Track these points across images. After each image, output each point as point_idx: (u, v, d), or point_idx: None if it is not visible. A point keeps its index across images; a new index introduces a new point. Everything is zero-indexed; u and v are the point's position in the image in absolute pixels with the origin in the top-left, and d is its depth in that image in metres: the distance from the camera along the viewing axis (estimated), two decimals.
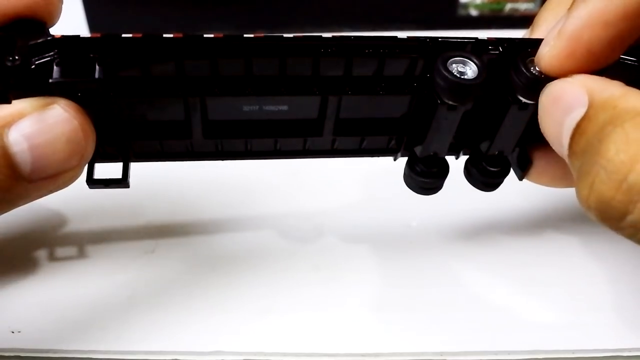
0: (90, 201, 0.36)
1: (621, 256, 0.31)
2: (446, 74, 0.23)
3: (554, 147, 0.23)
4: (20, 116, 0.22)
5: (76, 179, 0.25)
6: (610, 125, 0.19)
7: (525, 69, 0.24)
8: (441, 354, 0.27)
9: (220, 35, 0.23)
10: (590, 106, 0.21)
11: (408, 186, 0.29)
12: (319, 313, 0.29)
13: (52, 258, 0.32)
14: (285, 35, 0.24)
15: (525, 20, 0.52)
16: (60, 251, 0.33)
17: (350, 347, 0.28)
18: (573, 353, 0.28)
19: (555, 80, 0.23)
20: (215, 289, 0.30)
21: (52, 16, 0.24)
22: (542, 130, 0.23)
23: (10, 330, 0.28)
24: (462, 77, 0.23)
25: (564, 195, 0.35)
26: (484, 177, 0.28)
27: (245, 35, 0.23)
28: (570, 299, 0.29)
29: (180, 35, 0.23)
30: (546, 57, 0.23)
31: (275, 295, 0.30)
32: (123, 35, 0.23)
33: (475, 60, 0.24)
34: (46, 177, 0.23)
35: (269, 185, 0.36)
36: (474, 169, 0.28)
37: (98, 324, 0.29)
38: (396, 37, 0.24)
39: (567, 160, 0.22)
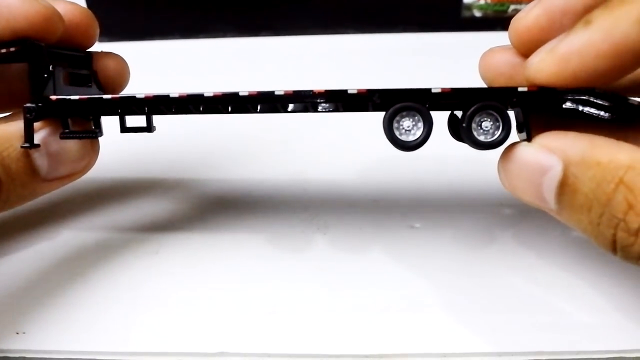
0: (94, 203, 0.36)
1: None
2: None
3: (532, 204, 0.25)
4: (38, 128, 0.26)
5: (83, 174, 0.29)
6: (606, 182, 0.22)
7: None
8: (444, 355, 0.28)
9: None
10: (569, 164, 0.23)
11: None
12: (322, 314, 0.29)
13: (57, 259, 0.32)
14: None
15: None
16: (65, 253, 0.33)
17: (354, 348, 0.28)
18: (577, 354, 0.28)
19: (516, 145, 0.25)
20: (219, 290, 0.31)
21: (53, 35, 0.27)
22: (511, 190, 0.25)
23: (15, 331, 0.29)
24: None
25: None
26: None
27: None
28: (574, 300, 0.29)
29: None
30: (533, 67, 0.24)
31: (280, 296, 0.30)
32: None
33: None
34: (59, 177, 0.27)
35: (273, 187, 0.36)
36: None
37: (102, 325, 0.29)
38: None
39: (555, 213, 0.24)
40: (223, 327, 0.29)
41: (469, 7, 0.52)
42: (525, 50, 0.27)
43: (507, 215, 0.34)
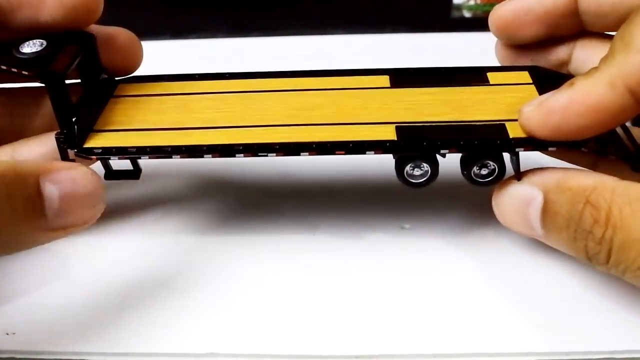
0: None
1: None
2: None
3: (523, 233, 0.29)
4: (55, 169, 0.26)
5: (86, 227, 0.28)
6: (577, 202, 0.26)
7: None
8: (434, 355, 0.28)
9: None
10: (547, 192, 0.27)
11: None
12: (312, 314, 0.29)
13: (46, 259, 0.32)
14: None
15: None
16: (54, 252, 0.33)
17: (344, 348, 0.28)
18: (567, 355, 0.28)
19: (503, 185, 0.29)
20: (210, 290, 0.31)
21: (96, 15, 0.31)
22: (505, 223, 0.30)
23: (5, 332, 0.29)
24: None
25: None
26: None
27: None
28: (564, 301, 0.30)
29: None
30: (523, 116, 0.28)
31: (270, 297, 0.30)
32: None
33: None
34: (63, 226, 0.26)
35: (263, 187, 0.36)
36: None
37: (93, 325, 0.29)
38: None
39: (543, 239, 0.29)
40: (212, 327, 0.29)
41: (459, 7, 0.52)
42: (500, 34, 0.33)
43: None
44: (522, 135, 0.28)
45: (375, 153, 0.28)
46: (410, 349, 0.28)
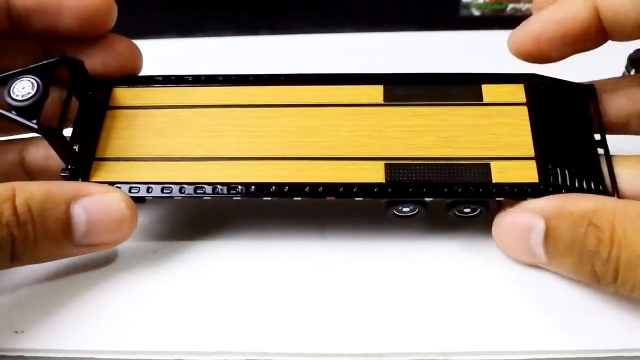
0: None
1: None
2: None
3: (526, 261, 0.30)
4: (87, 193, 0.28)
5: (116, 245, 0.30)
6: (579, 226, 0.27)
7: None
8: (443, 354, 0.28)
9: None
10: (548, 219, 0.28)
11: None
12: (321, 313, 0.29)
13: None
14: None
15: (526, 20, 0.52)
16: None
17: (353, 347, 0.28)
18: (574, 353, 0.28)
19: (502, 214, 0.30)
20: (218, 288, 0.31)
21: (111, 21, 0.32)
22: (506, 252, 0.30)
23: (13, 330, 0.29)
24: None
25: None
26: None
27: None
28: (571, 299, 0.29)
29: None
30: (511, 38, 0.31)
31: (278, 295, 0.30)
32: None
33: None
34: (90, 244, 0.29)
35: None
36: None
37: (101, 323, 0.29)
38: None
39: (546, 265, 0.29)
40: (221, 326, 0.29)
41: (467, 5, 0.52)
42: (524, 59, 0.32)
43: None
44: (505, 179, 0.30)
45: (363, 199, 0.30)
46: (420, 347, 0.28)
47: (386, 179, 0.30)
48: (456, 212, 0.31)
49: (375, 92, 0.33)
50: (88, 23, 0.31)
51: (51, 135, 0.29)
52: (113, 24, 0.32)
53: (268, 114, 0.32)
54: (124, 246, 0.33)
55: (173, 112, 0.33)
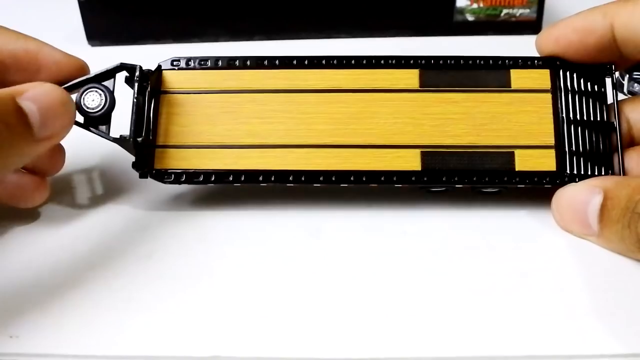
0: (87, 205, 0.36)
1: (618, 261, 0.32)
2: None
3: (578, 232, 0.32)
4: (25, 90, 0.29)
5: (64, 136, 0.31)
6: (636, 194, 0.29)
7: None
8: (437, 359, 0.28)
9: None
10: (607, 190, 0.30)
11: None
12: (318, 317, 0.29)
13: (50, 262, 0.32)
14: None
15: (520, 25, 0.52)
16: (58, 256, 0.33)
17: (350, 351, 0.28)
18: (570, 358, 0.28)
19: (564, 187, 0.33)
20: (213, 293, 0.31)
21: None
22: (562, 223, 0.33)
23: (8, 335, 0.29)
24: None
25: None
26: None
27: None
28: (568, 304, 0.30)
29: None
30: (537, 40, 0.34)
31: (274, 300, 0.30)
32: None
33: None
34: (48, 136, 0.30)
35: (266, 190, 0.36)
36: None
37: (95, 328, 0.29)
38: None
39: (596, 236, 0.32)
40: (216, 330, 0.29)
41: (462, 11, 0.52)
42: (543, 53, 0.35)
43: (501, 218, 0.34)
44: (527, 167, 0.33)
45: (402, 185, 0.33)
46: (416, 351, 0.28)
47: (422, 166, 0.33)
48: (480, 190, 0.34)
49: (412, 77, 0.35)
50: (66, 78, 0.34)
51: (123, 143, 0.33)
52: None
53: (311, 100, 0.35)
54: (119, 250, 0.33)
55: (222, 97, 0.35)
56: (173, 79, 0.35)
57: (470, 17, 0.52)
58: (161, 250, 0.33)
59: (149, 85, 0.34)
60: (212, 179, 0.33)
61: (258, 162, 0.34)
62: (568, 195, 0.33)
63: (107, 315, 0.29)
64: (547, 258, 0.32)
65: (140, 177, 0.34)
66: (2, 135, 0.28)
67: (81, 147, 0.36)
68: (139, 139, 0.33)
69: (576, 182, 0.33)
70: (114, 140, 0.33)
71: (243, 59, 0.36)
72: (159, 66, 0.35)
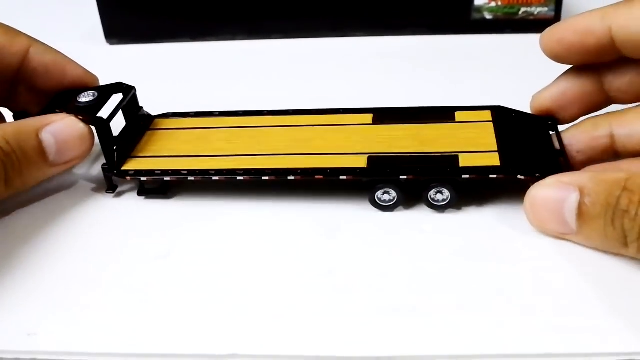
0: (103, 206, 0.37)
1: (633, 259, 0.31)
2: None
3: (555, 231, 0.32)
4: (49, 122, 0.35)
5: (82, 161, 0.38)
6: (615, 190, 0.29)
7: None
8: (451, 357, 0.28)
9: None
10: (583, 188, 0.30)
11: None
12: (331, 316, 0.29)
13: (68, 261, 0.33)
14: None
15: (538, 23, 0.51)
16: (76, 255, 0.33)
17: (363, 350, 0.28)
18: (586, 357, 0.27)
19: (536, 186, 0.32)
20: (230, 292, 0.31)
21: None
22: (537, 223, 0.33)
23: (26, 333, 0.29)
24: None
25: None
26: None
27: None
28: (583, 302, 0.29)
29: None
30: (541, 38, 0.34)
31: (289, 299, 0.30)
32: None
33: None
34: (63, 162, 0.36)
35: (282, 189, 0.36)
36: None
37: (113, 326, 0.29)
38: None
39: (574, 234, 0.31)
40: (234, 329, 0.29)
41: (479, 9, 0.52)
42: (547, 52, 0.35)
43: (513, 218, 0.34)
44: (471, 164, 0.34)
45: (347, 178, 0.34)
46: (429, 350, 0.28)
47: (368, 164, 0.35)
48: (430, 198, 0.34)
49: (365, 118, 0.39)
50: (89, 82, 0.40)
51: (102, 125, 0.36)
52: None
53: (275, 131, 0.39)
54: (136, 249, 0.33)
55: (199, 131, 0.39)
56: (160, 123, 0.41)
57: (488, 16, 0.52)
58: (178, 249, 0.33)
59: (140, 121, 0.40)
60: (169, 172, 0.36)
61: (213, 164, 0.36)
62: (541, 195, 0.32)
63: (124, 314, 0.30)
64: (536, 257, 0.32)
65: (106, 178, 0.37)
66: (20, 162, 0.34)
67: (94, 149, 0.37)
68: (106, 167, 0.37)
69: (521, 176, 0.33)
70: (92, 120, 0.37)
71: (221, 112, 0.41)
72: (152, 117, 0.41)
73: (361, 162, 0.35)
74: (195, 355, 0.28)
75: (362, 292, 0.30)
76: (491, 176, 0.33)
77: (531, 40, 0.45)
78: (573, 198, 0.30)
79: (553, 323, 0.29)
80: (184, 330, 0.29)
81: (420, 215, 0.35)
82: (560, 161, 0.35)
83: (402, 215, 0.35)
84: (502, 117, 0.37)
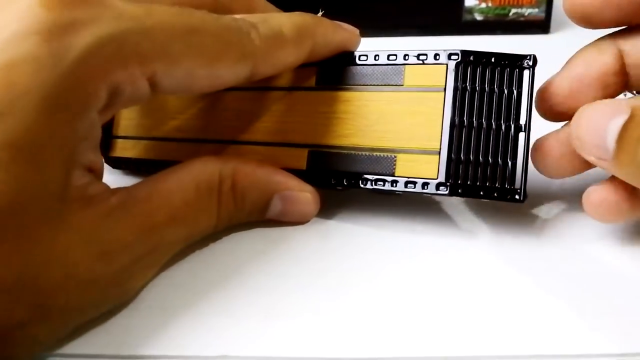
0: None
1: (627, 258, 0.31)
2: None
3: (591, 152, 0.29)
4: (286, 188, 0.34)
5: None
6: None
7: None
8: (445, 358, 0.28)
9: None
10: (636, 108, 0.27)
11: None
12: (324, 317, 0.29)
13: None
14: None
15: (529, 25, 0.52)
16: None
17: (356, 351, 0.28)
18: (578, 358, 0.28)
19: (586, 105, 0.29)
20: (221, 293, 0.31)
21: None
22: (578, 139, 0.29)
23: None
24: None
25: (570, 200, 0.35)
26: None
27: None
28: (577, 303, 0.29)
29: None
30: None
31: (282, 300, 0.30)
32: None
33: None
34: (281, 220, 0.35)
35: None
36: None
37: (104, 328, 0.29)
38: None
39: (610, 159, 0.28)
40: (224, 330, 0.29)
41: (470, 10, 0.52)
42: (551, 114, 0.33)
43: (509, 217, 0.34)
44: (407, 173, 0.32)
45: None
46: (422, 351, 0.28)
47: (307, 166, 0.34)
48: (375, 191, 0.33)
49: (309, 74, 0.35)
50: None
51: None
52: None
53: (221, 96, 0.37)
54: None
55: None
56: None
57: (478, 17, 0.52)
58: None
59: None
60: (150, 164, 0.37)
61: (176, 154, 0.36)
62: (588, 111, 0.29)
63: (115, 315, 0.29)
64: (534, 257, 0.32)
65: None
66: (239, 214, 0.33)
67: None
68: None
69: (459, 192, 0.31)
70: None
71: None
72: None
73: (301, 159, 0.34)
74: (186, 357, 0.28)
75: (354, 294, 0.30)
76: (425, 194, 0.31)
77: (522, 42, 0.45)
78: (620, 118, 0.27)
79: (544, 323, 0.29)
80: (174, 332, 0.29)
81: (415, 214, 0.35)
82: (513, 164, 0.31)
83: (395, 214, 0.35)
84: (465, 75, 0.32)
